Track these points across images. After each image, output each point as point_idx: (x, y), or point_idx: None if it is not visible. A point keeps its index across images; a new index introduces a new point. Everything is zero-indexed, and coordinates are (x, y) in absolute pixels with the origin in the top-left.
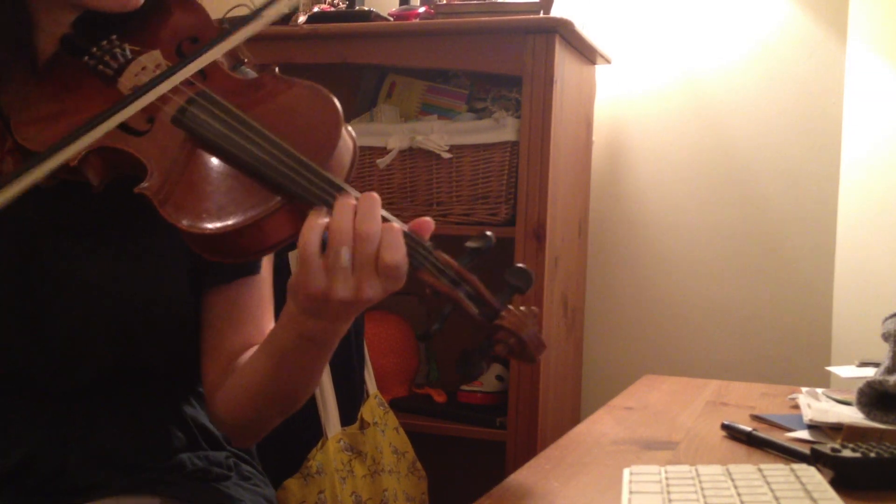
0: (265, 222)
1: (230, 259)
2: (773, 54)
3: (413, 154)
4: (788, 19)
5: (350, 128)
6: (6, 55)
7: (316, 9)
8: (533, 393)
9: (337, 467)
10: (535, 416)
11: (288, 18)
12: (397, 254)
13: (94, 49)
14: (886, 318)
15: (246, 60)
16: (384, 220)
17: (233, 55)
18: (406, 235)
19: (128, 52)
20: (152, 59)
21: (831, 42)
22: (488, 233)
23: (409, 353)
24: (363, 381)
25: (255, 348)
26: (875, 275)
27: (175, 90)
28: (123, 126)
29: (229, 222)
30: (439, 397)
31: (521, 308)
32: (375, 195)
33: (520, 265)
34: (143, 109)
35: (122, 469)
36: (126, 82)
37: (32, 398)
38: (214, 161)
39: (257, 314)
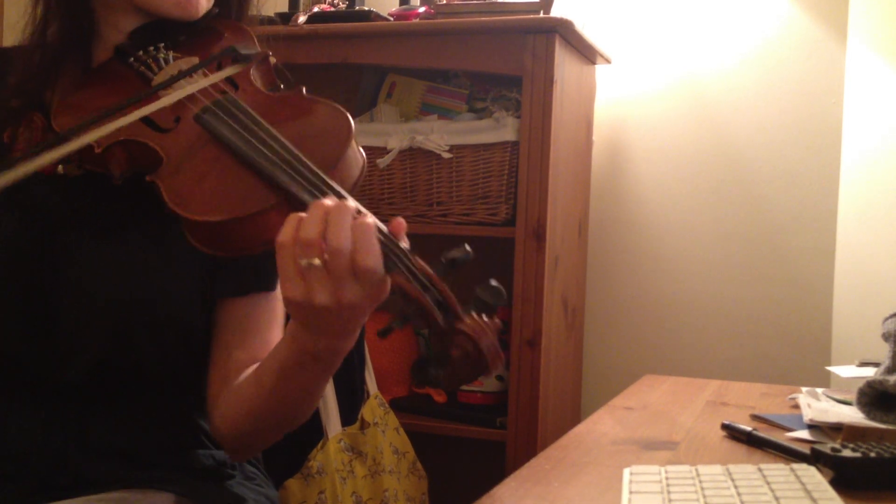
0: (260, 218)
1: (224, 252)
2: (773, 54)
3: (413, 154)
4: (788, 19)
5: (362, 149)
6: (66, 58)
7: (316, 9)
8: (533, 393)
9: (337, 467)
10: (535, 416)
11: (288, 18)
12: (370, 257)
13: (141, 53)
14: (886, 318)
15: (282, 86)
16: (359, 215)
17: (269, 80)
18: (383, 236)
19: (171, 58)
20: (189, 64)
21: (831, 42)
22: (467, 247)
23: (409, 353)
24: (363, 382)
25: (258, 364)
26: (875, 275)
27: (204, 93)
28: (150, 122)
29: (224, 214)
30: (439, 397)
31: (484, 318)
32: (346, 205)
33: (494, 283)
34: (172, 109)
35: (127, 461)
36: (159, 80)
37: (28, 392)
38: (223, 156)
39: (267, 331)
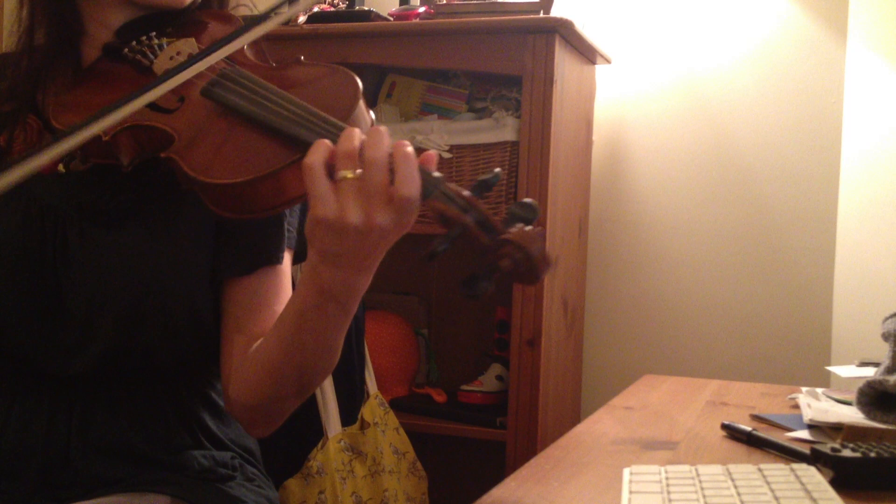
0: (284, 175)
1: (251, 214)
2: (773, 54)
3: None
4: (788, 19)
5: (372, 113)
6: (56, 59)
7: (316, 9)
8: (533, 393)
9: (337, 467)
10: (535, 416)
11: (288, 18)
12: (413, 188)
13: (134, 43)
14: (886, 318)
15: (274, 65)
16: (405, 146)
17: (260, 58)
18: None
19: (165, 45)
20: (188, 45)
21: (831, 42)
22: (497, 169)
23: (409, 353)
24: (363, 381)
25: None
26: (875, 275)
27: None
28: (155, 106)
29: (250, 174)
30: (439, 397)
31: (528, 227)
32: (383, 128)
33: (527, 200)
34: (174, 90)
35: (126, 460)
36: (161, 64)
37: (31, 389)
38: (238, 124)
39: (275, 304)
